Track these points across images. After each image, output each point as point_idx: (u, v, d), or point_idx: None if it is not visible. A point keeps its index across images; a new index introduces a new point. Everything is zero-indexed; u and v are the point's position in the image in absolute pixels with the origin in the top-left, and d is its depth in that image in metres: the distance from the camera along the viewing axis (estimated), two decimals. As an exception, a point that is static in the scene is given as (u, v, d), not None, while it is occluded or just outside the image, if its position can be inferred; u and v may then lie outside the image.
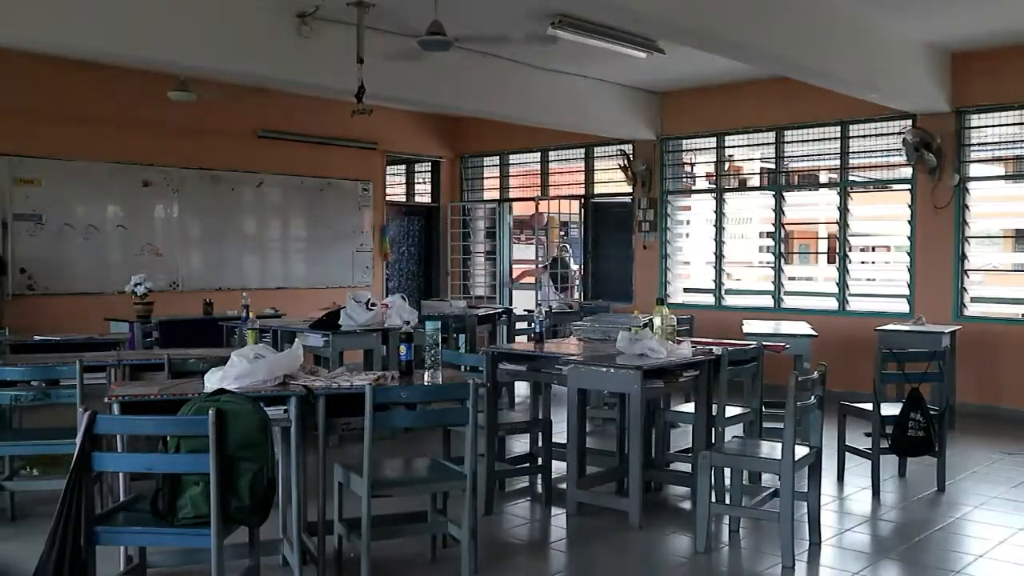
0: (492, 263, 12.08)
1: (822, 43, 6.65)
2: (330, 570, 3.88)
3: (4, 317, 7.31)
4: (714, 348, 5.16)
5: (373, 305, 6.52)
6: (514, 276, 11.80)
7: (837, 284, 8.98)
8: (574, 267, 11.30)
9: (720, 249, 9.83)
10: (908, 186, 8.55)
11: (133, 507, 3.30)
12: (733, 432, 5.39)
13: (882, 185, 9.12)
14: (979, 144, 8.25)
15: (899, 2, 6.71)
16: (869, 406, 5.49)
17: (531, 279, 11.44)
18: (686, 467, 5.34)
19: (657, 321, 5.27)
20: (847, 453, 5.64)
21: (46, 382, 4.68)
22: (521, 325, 9.14)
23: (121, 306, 7.74)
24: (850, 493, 5.39)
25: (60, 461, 4.79)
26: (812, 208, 9.69)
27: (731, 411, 5.17)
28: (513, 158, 11.96)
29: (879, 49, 7.27)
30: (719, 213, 9.86)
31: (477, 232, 12.32)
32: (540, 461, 5.24)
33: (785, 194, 9.46)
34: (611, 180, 10.93)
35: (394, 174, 12.31)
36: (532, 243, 11.54)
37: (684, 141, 10.26)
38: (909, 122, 8.43)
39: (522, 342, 8.69)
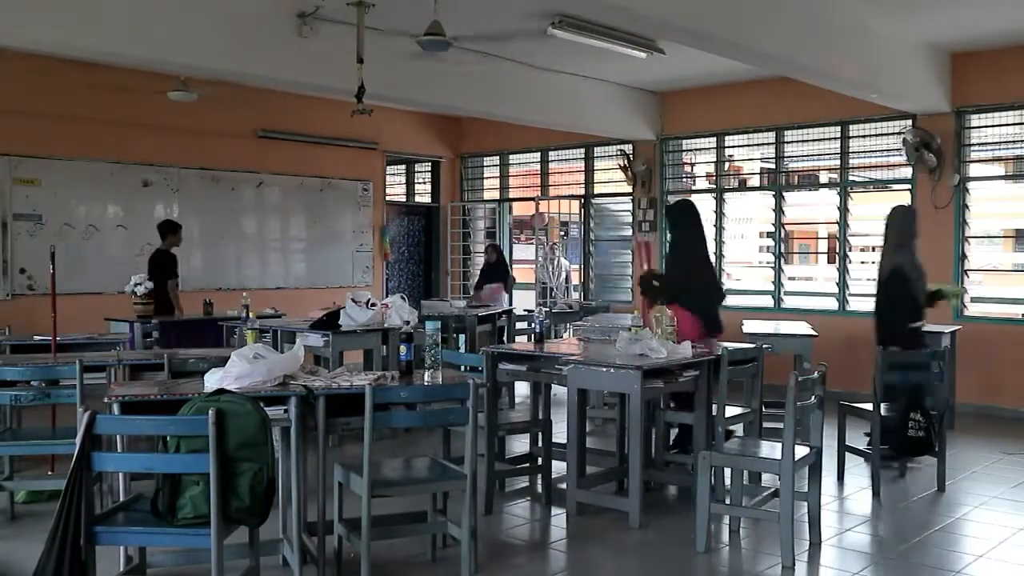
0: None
1: (822, 43, 6.65)
2: (330, 570, 3.88)
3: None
4: (714, 348, 5.16)
5: (373, 305, 6.52)
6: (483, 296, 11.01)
7: (837, 284, 8.98)
8: (565, 264, 11.09)
9: (720, 249, 9.83)
10: (908, 186, 8.55)
11: (133, 507, 3.30)
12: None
13: (882, 185, 9.12)
14: (979, 144, 8.25)
15: (899, 2, 6.71)
16: (869, 406, 5.49)
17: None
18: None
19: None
20: (847, 453, 5.64)
21: (46, 382, 4.68)
22: (521, 325, 9.13)
23: (121, 306, 7.74)
24: (850, 493, 5.40)
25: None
26: (812, 208, 9.70)
27: (731, 411, 5.17)
28: (513, 158, 11.96)
29: (879, 49, 7.27)
30: (719, 213, 9.86)
31: (477, 232, 12.32)
32: (540, 461, 5.25)
33: (785, 194, 9.46)
34: (611, 180, 10.94)
35: (394, 174, 12.31)
36: (532, 243, 11.53)
37: (684, 141, 10.26)
38: (909, 122, 8.43)
39: (522, 342, 8.68)
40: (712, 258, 6.26)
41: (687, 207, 6.02)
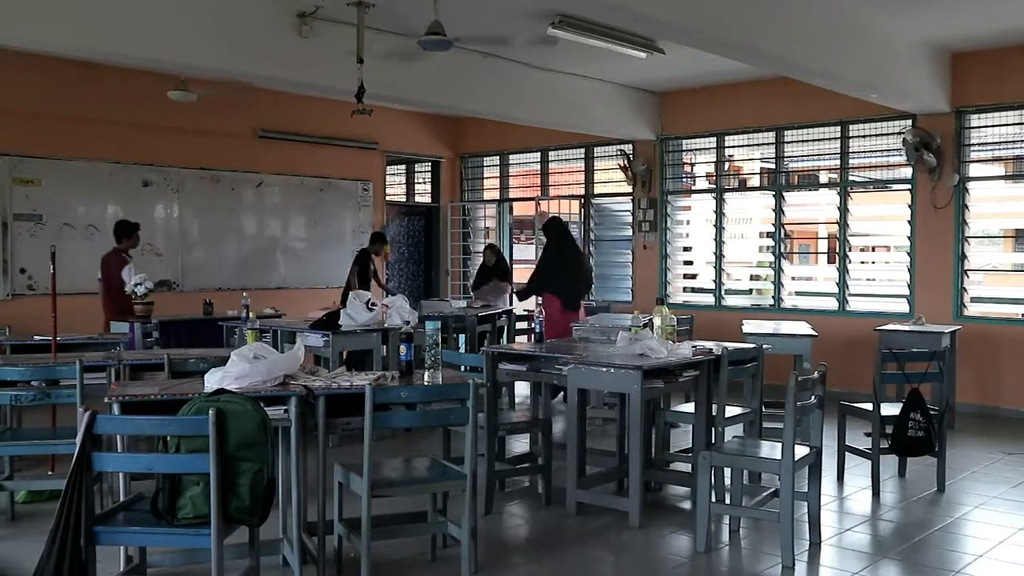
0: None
1: (822, 43, 6.65)
2: (330, 570, 3.88)
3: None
4: (713, 348, 5.16)
5: (373, 305, 6.52)
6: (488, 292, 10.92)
7: (837, 284, 8.98)
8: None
9: (720, 249, 9.83)
10: (908, 186, 8.55)
11: (133, 507, 3.30)
12: (733, 432, 5.39)
13: (882, 185, 9.12)
14: (979, 144, 8.25)
15: (899, 2, 6.71)
16: (869, 406, 5.49)
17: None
18: (686, 467, 5.35)
19: (657, 321, 5.27)
20: (847, 453, 5.64)
21: (46, 382, 4.68)
22: (521, 325, 9.13)
23: (121, 306, 7.72)
24: (850, 493, 5.40)
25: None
26: (812, 208, 9.69)
27: (731, 411, 5.17)
28: (513, 158, 11.96)
29: (879, 49, 7.27)
30: (719, 213, 9.85)
31: (477, 232, 12.32)
32: (540, 461, 5.25)
33: (785, 194, 9.46)
34: (611, 180, 10.93)
35: (394, 174, 12.31)
36: (532, 243, 11.53)
37: (684, 141, 10.26)
38: (909, 122, 8.43)
39: (522, 342, 8.68)
40: (585, 260, 8.19)
41: (553, 225, 7.66)
